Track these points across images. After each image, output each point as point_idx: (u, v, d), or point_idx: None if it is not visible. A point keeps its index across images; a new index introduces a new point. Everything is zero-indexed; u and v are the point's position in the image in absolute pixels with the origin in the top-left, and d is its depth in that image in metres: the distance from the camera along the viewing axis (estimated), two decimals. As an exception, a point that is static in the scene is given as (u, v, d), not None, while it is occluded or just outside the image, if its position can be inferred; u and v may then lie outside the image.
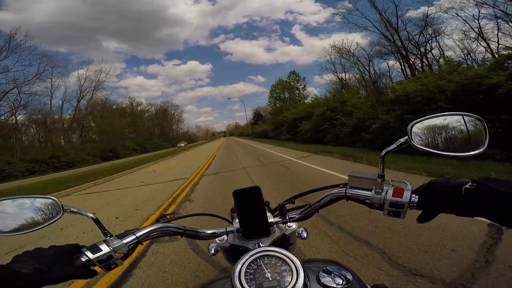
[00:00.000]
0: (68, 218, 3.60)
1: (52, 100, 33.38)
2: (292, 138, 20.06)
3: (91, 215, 0.51)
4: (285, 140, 20.62)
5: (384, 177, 0.51)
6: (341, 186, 0.58)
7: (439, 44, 18.70)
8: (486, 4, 14.65)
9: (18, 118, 28.84)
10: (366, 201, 0.53)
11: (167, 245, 2.53)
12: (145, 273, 2.08)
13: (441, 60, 17.21)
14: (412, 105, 7.37)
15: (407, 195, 0.48)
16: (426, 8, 18.23)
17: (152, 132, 57.58)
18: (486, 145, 0.45)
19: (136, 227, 0.56)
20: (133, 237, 0.53)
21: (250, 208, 0.58)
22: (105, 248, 0.49)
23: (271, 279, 0.43)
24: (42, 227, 0.51)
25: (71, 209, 0.51)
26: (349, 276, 0.47)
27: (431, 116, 0.49)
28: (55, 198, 0.52)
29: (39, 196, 0.53)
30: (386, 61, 22.01)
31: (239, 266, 0.45)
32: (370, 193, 0.52)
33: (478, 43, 16.44)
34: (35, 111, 31.06)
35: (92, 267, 0.49)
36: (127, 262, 1.74)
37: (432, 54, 19.09)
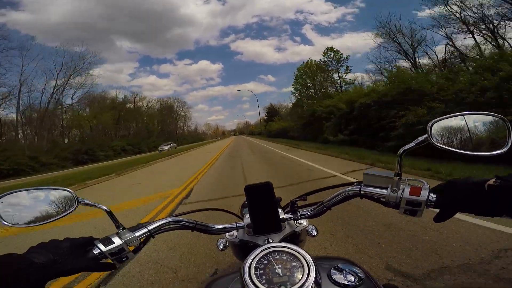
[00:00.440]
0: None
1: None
2: (348, 140, 11.40)
3: (104, 207, 0.52)
4: (335, 144, 11.78)
5: (401, 175, 0.50)
6: (355, 184, 0.57)
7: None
8: None
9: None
10: (381, 199, 0.53)
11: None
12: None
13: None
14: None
15: (424, 193, 0.47)
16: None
17: (151, 130, 50.55)
18: (509, 145, 0.44)
19: (148, 221, 0.55)
20: (145, 230, 0.54)
21: (261, 203, 0.58)
22: (117, 241, 0.49)
23: (281, 275, 0.42)
24: (57, 219, 0.52)
25: (86, 201, 0.52)
26: (361, 274, 0.46)
27: (451, 115, 0.48)
28: (70, 190, 0.53)
29: (54, 187, 0.53)
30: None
31: (249, 260, 0.45)
32: (386, 191, 0.51)
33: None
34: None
35: (103, 260, 0.49)
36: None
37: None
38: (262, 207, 0.58)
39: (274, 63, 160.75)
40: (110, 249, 0.48)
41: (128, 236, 0.51)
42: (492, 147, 0.46)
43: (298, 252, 0.45)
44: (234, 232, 0.63)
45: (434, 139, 0.46)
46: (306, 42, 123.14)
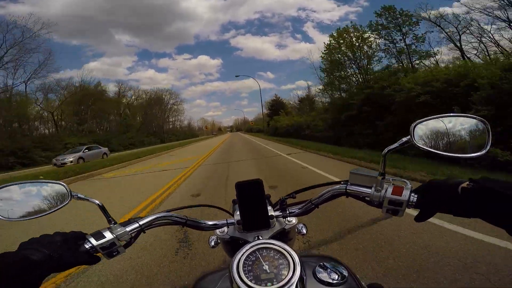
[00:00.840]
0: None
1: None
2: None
3: (97, 202, 0.52)
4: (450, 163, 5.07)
5: (385, 175, 0.51)
6: (342, 182, 0.58)
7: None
8: None
9: None
10: (366, 198, 0.54)
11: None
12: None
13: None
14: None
15: (406, 193, 0.48)
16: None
17: (129, 124, 41.95)
18: (488, 147, 0.46)
19: (139, 216, 0.57)
20: (136, 225, 0.54)
21: (251, 200, 0.59)
22: (108, 235, 0.50)
23: (268, 272, 0.43)
24: (50, 213, 0.52)
25: (79, 195, 0.52)
26: (345, 273, 0.48)
27: (434, 116, 0.49)
28: (64, 184, 0.53)
29: (47, 181, 0.54)
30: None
31: (238, 257, 0.46)
32: (370, 190, 0.53)
33: None
34: None
35: (95, 254, 0.49)
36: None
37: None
38: (252, 204, 0.59)
39: (274, 59, 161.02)
40: (101, 243, 0.49)
41: (120, 231, 0.51)
42: (473, 149, 0.47)
43: (285, 250, 0.46)
44: (225, 228, 0.64)
45: (416, 140, 0.48)
46: (307, 39, 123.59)
